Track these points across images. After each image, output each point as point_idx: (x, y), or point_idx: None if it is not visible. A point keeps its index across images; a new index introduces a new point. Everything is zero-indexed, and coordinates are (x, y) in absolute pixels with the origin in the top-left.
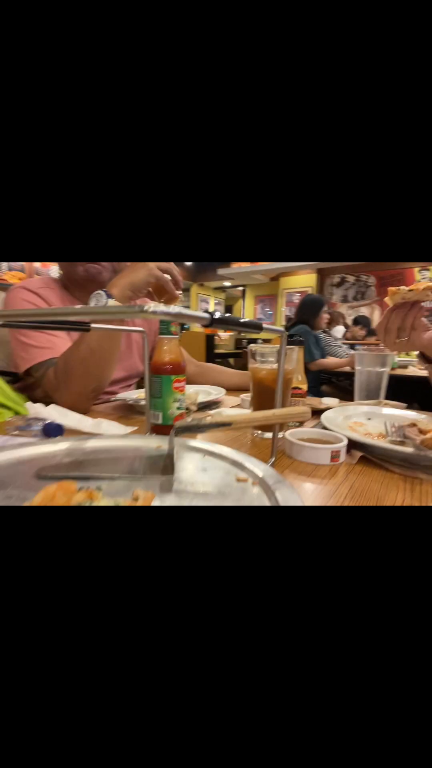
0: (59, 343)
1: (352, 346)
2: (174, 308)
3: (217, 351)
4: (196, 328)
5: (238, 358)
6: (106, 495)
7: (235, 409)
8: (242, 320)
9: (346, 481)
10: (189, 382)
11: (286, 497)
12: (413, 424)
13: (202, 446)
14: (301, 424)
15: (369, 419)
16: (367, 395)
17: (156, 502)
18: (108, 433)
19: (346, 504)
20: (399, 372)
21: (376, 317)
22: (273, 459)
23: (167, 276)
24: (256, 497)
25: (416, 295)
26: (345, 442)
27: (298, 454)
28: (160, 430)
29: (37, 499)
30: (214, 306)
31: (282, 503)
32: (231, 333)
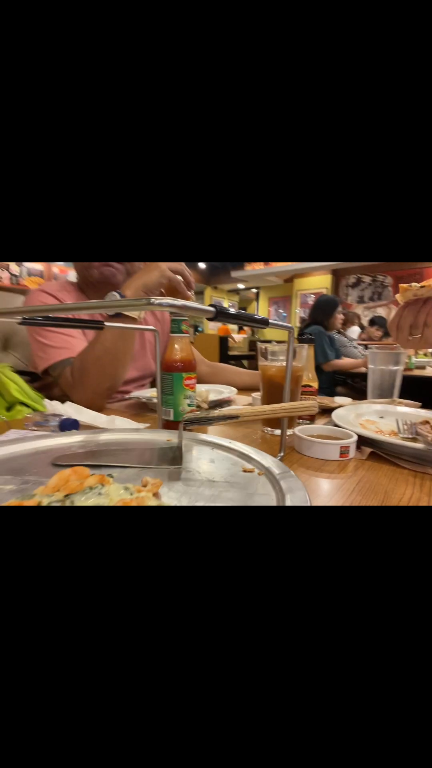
0: (76, 343)
1: (367, 347)
2: (179, 301)
3: (230, 353)
4: (210, 330)
5: (252, 359)
6: (117, 481)
7: (247, 408)
8: (247, 314)
9: (355, 476)
10: (201, 382)
11: (291, 486)
12: (426, 422)
13: (211, 440)
14: (311, 421)
15: (381, 417)
16: (381, 394)
17: (164, 490)
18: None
19: (352, 497)
20: (417, 373)
21: None
22: (281, 454)
23: (179, 277)
24: (261, 486)
25: (428, 291)
26: (354, 438)
27: (308, 450)
28: (171, 426)
29: (52, 483)
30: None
31: (286, 492)
32: (245, 335)
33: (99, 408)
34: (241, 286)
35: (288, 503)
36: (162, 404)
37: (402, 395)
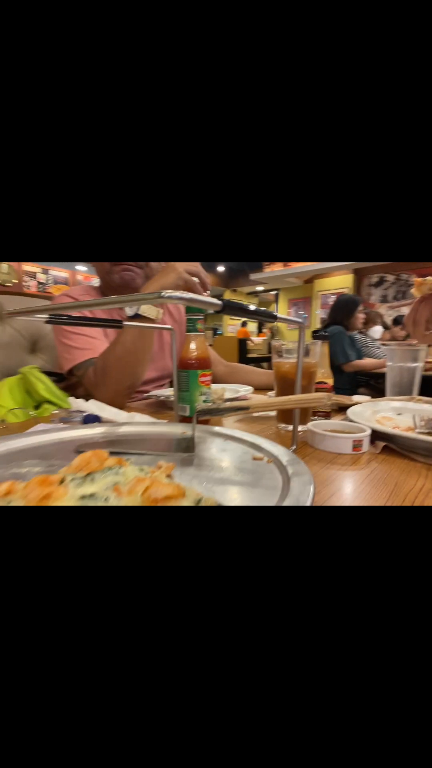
0: (98, 344)
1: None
2: (188, 294)
3: (249, 355)
4: (230, 333)
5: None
6: (134, 464)
7: None
8: (254, 308)
9: (367, 468)
10: (219, 382)
11: (297, 471)
12: None
13: (224, 432)
14: (327, 416)
15: (399, 414)
16: (400, 392)
17: (176, 472)
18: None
19: (361, 488)
20: None
21: None
22: (294, 447)
23: (195, 279)
24: (268, 472)
25: None
26: (368, 432)
27: (320, 444)
28: (187, 421)
29: (75, 463)
30: None
31: (292, 476)
32: (264, 337)
33: (120, 406)
34: (260, 288)
35: (293, 487)
36: (178, 401)
37: (423, 393)
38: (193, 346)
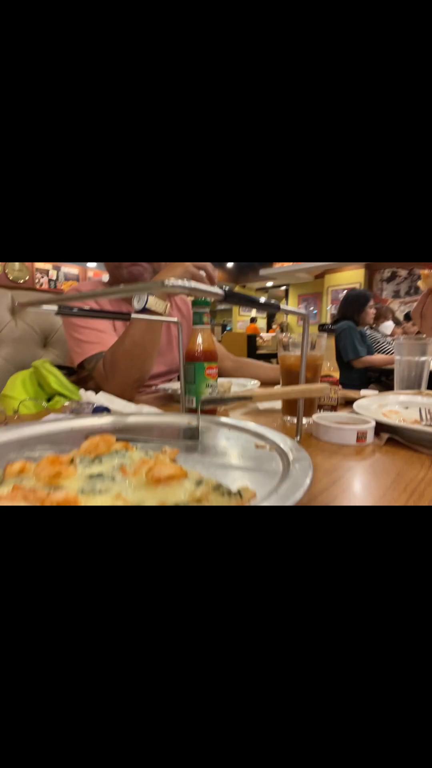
0: (107, 338)
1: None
2: (190, 282)
3: (259, 352)
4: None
5: None
6: (140, 449)
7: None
8: (257, 298)
9: (370, 458)
10: (226, 377)
11: (297, 457)
12: None
13: (228, 422)
14: (333, 410)
15: (406, 408)
16: (408, 386)
17: (180, 457)
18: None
19: (362, 476)
20: None
21: None
22: (298, 438)
23: (202, 272)
24: (269, 458)
25: None
26: (372, 423)
27: (324, 435)
28: (193, 413)
29: (84, 446)
30: None
31: (293, 462)
32: (274, 334)
33: (129, 399)
34: (269, 283)
35: (293, 471)
36: (185, 392)
37: (431, 388)
38: (199, 338)
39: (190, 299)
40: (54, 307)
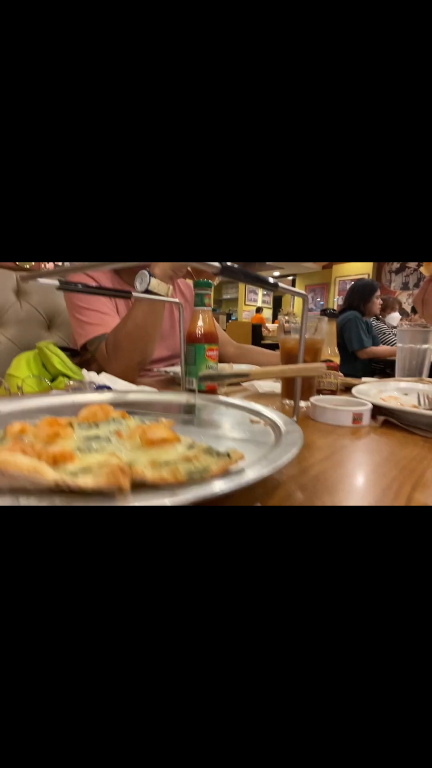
0: (110, 320)
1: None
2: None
3: (264, 342)
4: (244, 319)
5: None
6: (137, 419)
7: (267, 382)
8: (255, 273)
9: (365, 438)
10: (229, 363)
11: (289, 430)
12: None
13: (226, 400)
14: (333, 394)
15: (405, 394)
16: (409, 373)
17: (176, 429)
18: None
19: (355, 455)
20: None
21: None
22: (294, 418)
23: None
24: (263, 431)
25: None
26: (369, 405)
27: (321, 416)
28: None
29: (83, 414)
30: (261, 297)
31: (284, 434)
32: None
33: (131, 381)
34: (276, 273)
35: (284, 441)
36: (186, 374)
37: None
38: (200, 320)
39: (191, 283)
40: (55, 282)
